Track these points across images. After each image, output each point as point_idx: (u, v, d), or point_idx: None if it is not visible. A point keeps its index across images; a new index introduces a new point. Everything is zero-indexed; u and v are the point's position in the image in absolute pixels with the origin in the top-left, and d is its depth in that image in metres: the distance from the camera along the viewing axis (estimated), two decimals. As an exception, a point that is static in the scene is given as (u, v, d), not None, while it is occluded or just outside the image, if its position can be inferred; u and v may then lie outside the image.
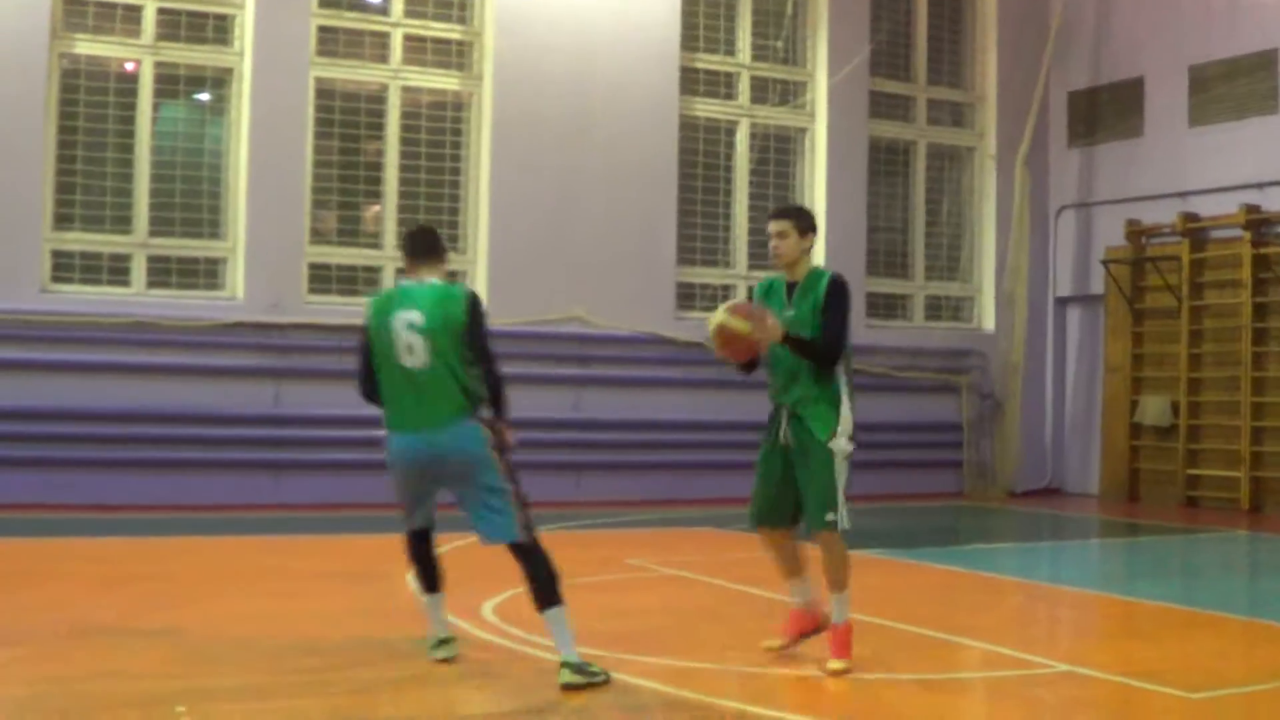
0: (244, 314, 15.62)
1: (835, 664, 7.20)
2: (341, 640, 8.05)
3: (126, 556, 11.69)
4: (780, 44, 18.81)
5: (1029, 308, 19.65)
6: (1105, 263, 19.19)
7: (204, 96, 16.27)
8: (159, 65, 15.70)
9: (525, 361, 16.69)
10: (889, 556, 11.99)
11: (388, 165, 16.63)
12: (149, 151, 15.64)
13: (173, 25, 15.75)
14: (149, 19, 15.61)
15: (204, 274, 15.85)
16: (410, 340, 7.05)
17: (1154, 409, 18.55)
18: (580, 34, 17.25)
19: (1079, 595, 11.04)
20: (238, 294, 15.78)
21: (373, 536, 12.85)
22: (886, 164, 19.59)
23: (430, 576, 7.69)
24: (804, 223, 7.66)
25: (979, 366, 19.65)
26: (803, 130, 18.85)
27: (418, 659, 7.57)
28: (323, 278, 16.28)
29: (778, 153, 18.80)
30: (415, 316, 7.07)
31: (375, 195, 16.70)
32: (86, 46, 15.45)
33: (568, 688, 6.84)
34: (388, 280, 16.43)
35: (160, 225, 15.65)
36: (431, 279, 7.33)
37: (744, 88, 18.54)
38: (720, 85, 18.46)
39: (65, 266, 15.30)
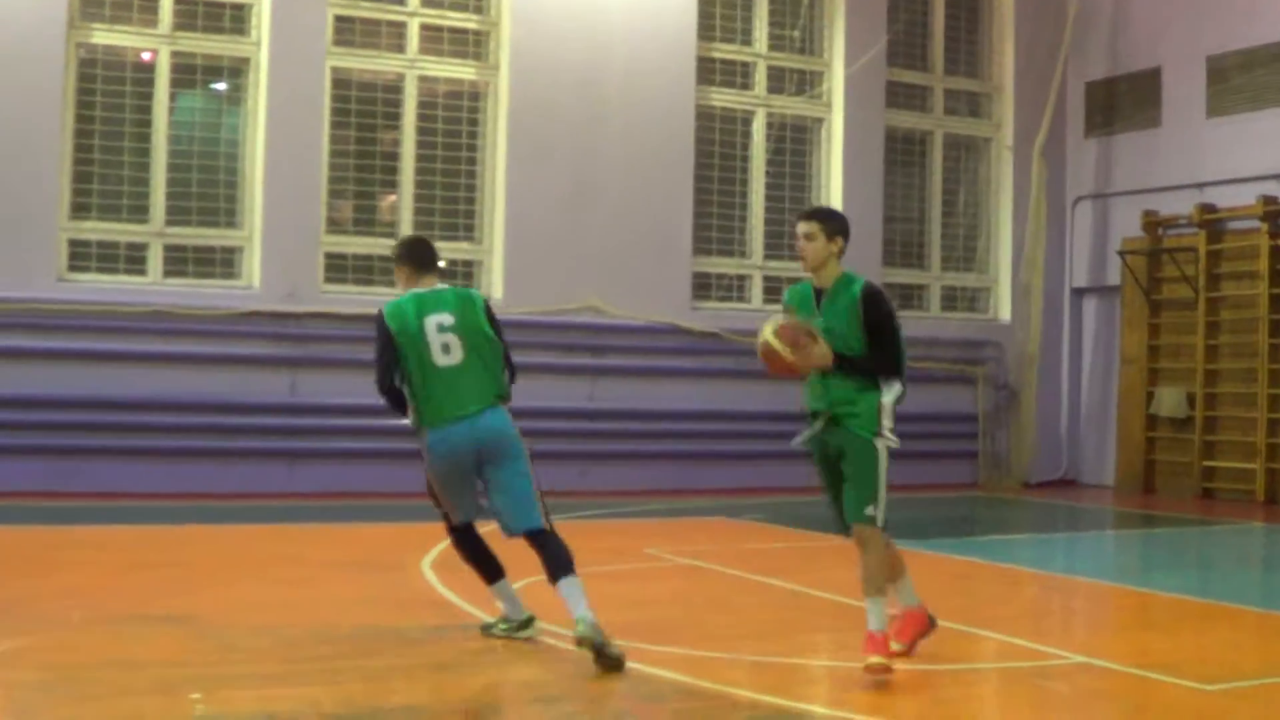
0: (260, 303, 15.64)
1: (874, 659, 6.81)
2: (355, 628, 8.07)
3: (141, 544, 11.72)
4: (797, 34, 18.77)
5: (1045, 299, 19.60)
6: (1122, 254, 19.14)
7: (221, 86, 16.27)
8: (176, 55, 15.72)
9: (540, 351, 16.71)
10: (904, 547, 11.85)
11: (404, 155, 16.64)
12: (166, 141, 15.66)
13: (189, 15, 15.76)
14: (166, 9, 15.63)
15: (220, 263, 15.87)
16: (446, 340, 7.46)
17: (1170, 400, 18.50)
18: (596, 24, 17.23)
19: (1094, 586, 11.03)
20: (254, 283, 15.80)
21: (387, 525, 12.89)
22: (903, 154, 19.54)
23: (490, 565, 7.84)
24: (833, 226, 7.26)
25: (995, 357, 19.62)
26: (819, 120, 18.82)
27: (430, 647, 7.59)
28: (339, 267, 16.29)
29: (794, 143, 18.77)
30: (446, 319, 7.51)
31: (391, 185, 16.71)
32: (103, 36, 15.47)
33: (583, 641, 6.98)
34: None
35: (177, 214, 15.68)
36: (439, 285, 7.77)
37: (760, 77, 18.51)
38: (737, 75, 18.43)
39: (82, 255, 15.34)
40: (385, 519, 13.28)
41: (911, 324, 18.85)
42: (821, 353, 6.96)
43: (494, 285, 16.82)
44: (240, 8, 15.95)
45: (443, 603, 8.97)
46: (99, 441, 14.90)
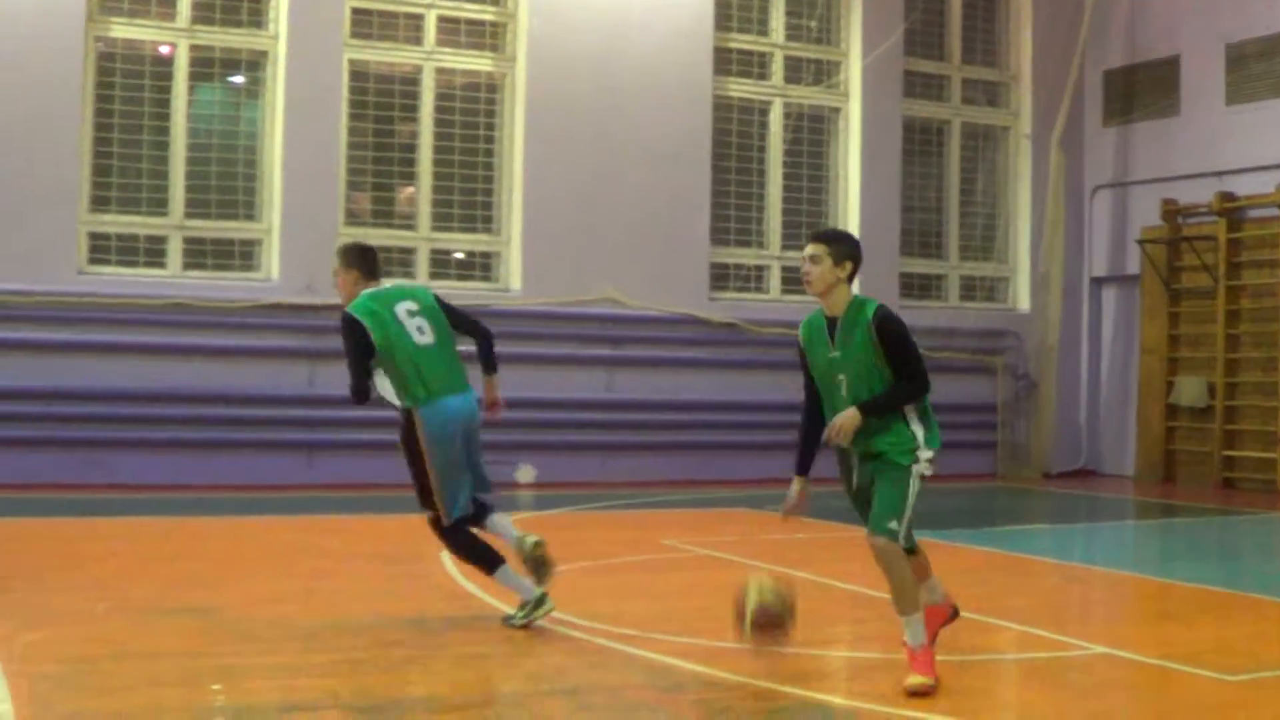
0: (279, 295, 15.67)
1: (916, 679, 6.49)
2: (374, 620, 8.09)
3: (161, 536, 11.76)
4: (814, 23, 18.74)
5: (1064, 288, 19.54)
6: (1141, 242, 19.08)
7: (239, 79, 16.31)
8: (194, 48, 15.75)
9: (557, 342, 16.77)
10: (923, 537, 11.86)
11: (422, 147, 16.65)
12: (184, 134, 15.71)
13: (208, 8, 15.79)
14: (184, 2, 15.67)
15: (239, 255, 15.91)
16: (418, 323, 7.93)
17: (1190, 390, 18.44)
18: (613, 15, 17.22)
19: (1114, 577, 11.01)
20: (273, 275, 15.84)
21: (406, 517, 12.86)
22: (921, 144, 19.50)
23: (488, 555, 7.93)
24: (841, 249, 6.77)
25: (1013, 347, 19.58)
26: (836, 110, 18.78)
27: (450, 638, 7.60)
28: (357, 259, 16.28)
29: (811, 133, 18.74)
30: (412, 305, 8.01)
31: (409, 177, 16.73)
32: (122, 30, 15.51)
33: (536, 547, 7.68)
34: (422, 261, 16.50)
35: (196, 207, 15.72)
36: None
37: (778, 67, 18.48)
38: (754, 65, 18.41)
39: (102, 248, 15.39)
40: (404, 511, 13.24)
41: (930, 314, 18.96)
42: (841, 428, 6.60)
43: (512, 276, 16.83)
44: (258, 1, 15.98)
45: (462, 594, 8.98)
46: (118, 434, 14.97)
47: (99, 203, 15.39)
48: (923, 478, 6.71)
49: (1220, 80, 18.32)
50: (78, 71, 15.05)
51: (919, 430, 6.73)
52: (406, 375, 7.82)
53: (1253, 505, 16.06)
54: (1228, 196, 18.00)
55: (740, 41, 18.28)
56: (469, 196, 16.84)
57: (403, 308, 7.96)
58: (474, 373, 8.09)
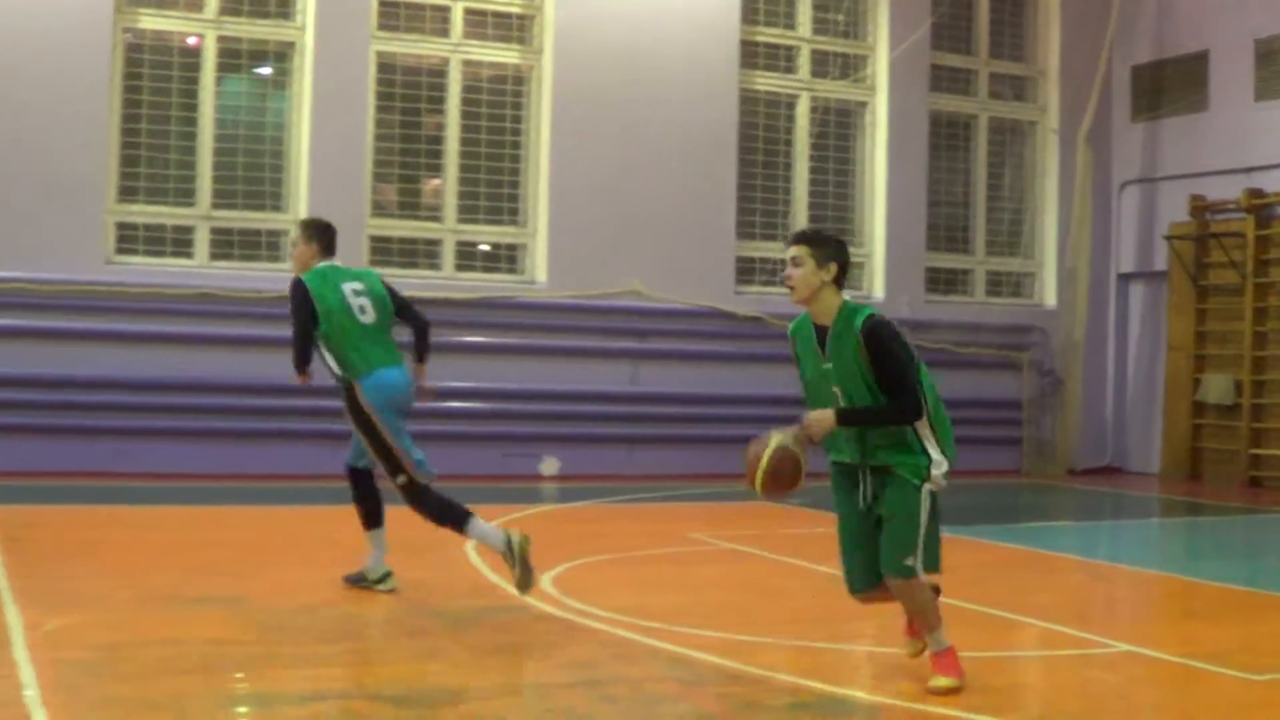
0: (305, 286, 15.69)
1: (941, 680, 6.38)
2: (399, 610, 8.11)
3: (187, 524, 11.83)
4: (841, 17, 18.69)
5: (1091, 284, 19.46)
6: (1169, 238, 19.00)
7: (266, 70, 16.35)
8: (222, 40, 15.80)
9: (583, 334, 16.79)
10: (948, 533, 11.86)
11: (448, 139, 16.67)
12: (212, 125, 15.75)
13: (235, 0, 15.87)
14: (212, -8, 15.74)
15: (266, 246, 15.96)
16: (361, 303, 8.44)
17: (1217, 387, 18.37)
18: (640, 8, 17.21)
19: (1139, 575, 10.98)
20: (299, 266, 15.85)
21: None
22: (947, 138, 19.44)
23: (460, 510, 8.27)
24: (825, 251, 6.31)
25: (1040, 343, 19.51)
26: (863, 104, 18.74)
27: (475, 629, 7.62)
28: (384, 250, 16.34)
29: (838, 126, 18.70)
30: (358, 285, 8.53)
31: (436, 169, 16.74)
32: (150, 21, 15.56)
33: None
34: (448, 253, 16.53)
35: (223, 198, 15.77)
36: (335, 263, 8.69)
37: (804, 61, 18.45)
38: (780, 59, 18.37)
39: (129, 239, 15.45)
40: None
41: (956, 309, 18.92)
42: (810, 428, 6.25)
43: (538, 269, 16.85)
44: (286, -8, 16.03)
45: (488, 585, 9.00)
46: (145, 423, 15.04)
47: (126, 193, 15.45)
48: (936, 494, 6.30)
49: (1249, 76, 18.22)
50: (106, 63, 15.11)
51: (930, 446, 6.28)
52: (344, 349, 8.35)
53: (1279, 504, 15.99)
54: (1256, 193, 17.91)
55: (767, 35, 18.25)
56: (495, 189, 16.85)
57: (349, 287, 8.47)
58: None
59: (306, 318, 8.45)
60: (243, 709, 6.09)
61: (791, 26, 18.41)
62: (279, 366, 15.45)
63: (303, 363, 8.53)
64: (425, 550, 10.38)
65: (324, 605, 8.23)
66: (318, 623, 7.75)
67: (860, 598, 6.61)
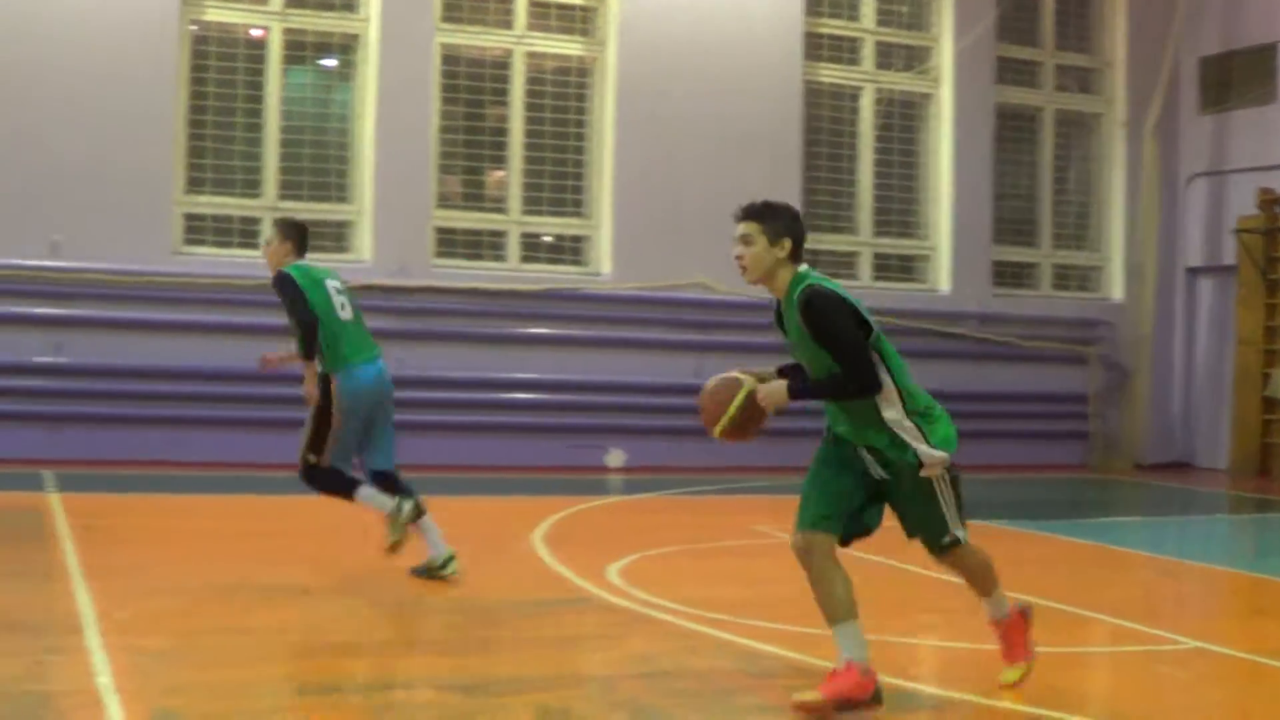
0: (372, 277, 15.75)
1: (1010, 674, 6.22)
2: (466, 600, 8.14)
3: (254, 513, 11.93)
4: (905, 8, 18.59)
5: (1158, 278, 19.30)
6: (1237, 232, 18.79)
7: (331, 62, 16.45)
8: (287, 32, 15.90)
9: (647, 326, 16.80)
10: (1014, 528, 11.87)
11: (512, 131, 16.70)
12: (278, 117, 15.85)
13: (301, -8, 15.95)
14: (279, -15, 15.83)
15: (332, 237, 16.05)
16: (342, 300, 8.75)
17: (1287, 382, 18.17)
18: (704, 0, 17.19)
19: (1207, 571, 10.87)
20: (365, 257, 15.96)
21: (497, 499, 12.96)
22: (1013, 130, 19.30)
23: (348, 482, 8.69)
24: (776, 226, 6.06)
25: (1107, 337, 19.35)
26: (928, 96, 18.63)
27: (541, 620, 7.64)
28: (449, 242, 16.41)
29: (903, 119, 18.61)
30: (337, 284, 8.84)
31: (500, 161, 16.79)
32: (216, 14, 15.69)
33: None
34: (512, 245, 16.57)
35: (289, 189, 15.88)
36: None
37: (869, 53, 18.36)
38: (844, 50, 18.29)
39: (197, 229, 15.59)
40: (495, 492, 13.37)
41: (1022, 302, 18.79)
42: (766, 395, 6.01)
43: (602, 261, 16.86)
44: (351, -15, 16.11)
45: (554, 576, 9.03)
46: (213, 412, 15.19)
47: (194, 184, 15.58)
48: (950, 473, 5.90)
49: (1321, 67, 18.01)
50: (172, 55, 15.24)
51: (911, 439, 5.80)
52: (324, 344, 8.61)
53: (1350, 500, 15.82)
54: (1327, 186, 17.70)
55: (831, 26, 18.17)
56: (559, 180, 16.88)
57: (331, 284, 8.78)
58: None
59: (308, 308, 8.64)
60: (311, 697, 6.13)
61: (855, 18, 18.32)
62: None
63: (312, 355, 8.68)
64: (493, 541, 10.44)
65: (393, 595, 8.27)
66: (387, 612, 7.80)
67: (800, 538, 6.30)
